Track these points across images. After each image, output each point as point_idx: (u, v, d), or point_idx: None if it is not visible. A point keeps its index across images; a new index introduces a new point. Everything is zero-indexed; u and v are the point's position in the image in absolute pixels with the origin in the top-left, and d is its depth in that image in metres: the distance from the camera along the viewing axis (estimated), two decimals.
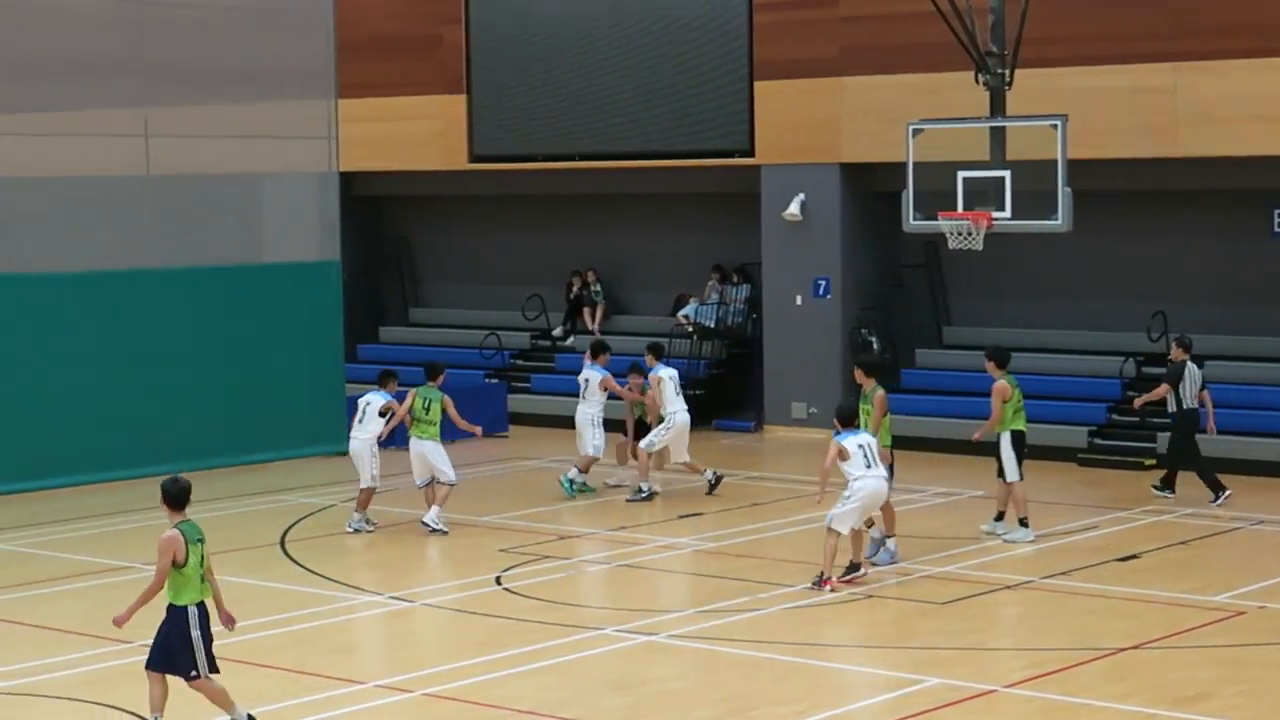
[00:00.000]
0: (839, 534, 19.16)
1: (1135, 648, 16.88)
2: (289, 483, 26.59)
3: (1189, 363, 24.51)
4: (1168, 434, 25.57)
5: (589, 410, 25.72)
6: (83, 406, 26.53)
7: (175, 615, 13.82)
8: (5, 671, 16.32)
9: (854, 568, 19.49)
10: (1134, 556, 20.83)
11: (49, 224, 27.40)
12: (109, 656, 16.86)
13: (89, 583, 20.22)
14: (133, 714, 14.85)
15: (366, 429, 23.30)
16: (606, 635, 17.42)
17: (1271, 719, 14.31)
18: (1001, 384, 21.92)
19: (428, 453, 22.95)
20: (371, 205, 37.50)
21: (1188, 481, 24.57)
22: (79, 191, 27.93)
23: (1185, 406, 24.42)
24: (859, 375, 21.44)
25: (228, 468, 27.41)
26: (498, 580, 19.90)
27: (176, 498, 13.86)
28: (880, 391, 21.28)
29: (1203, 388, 24.49)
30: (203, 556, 13.82)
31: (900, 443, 29.19)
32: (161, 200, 28.61)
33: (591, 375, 25.79)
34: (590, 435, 25.56)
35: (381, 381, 23.91)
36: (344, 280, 30.55)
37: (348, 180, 32.62)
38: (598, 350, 26.15)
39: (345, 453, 28.93)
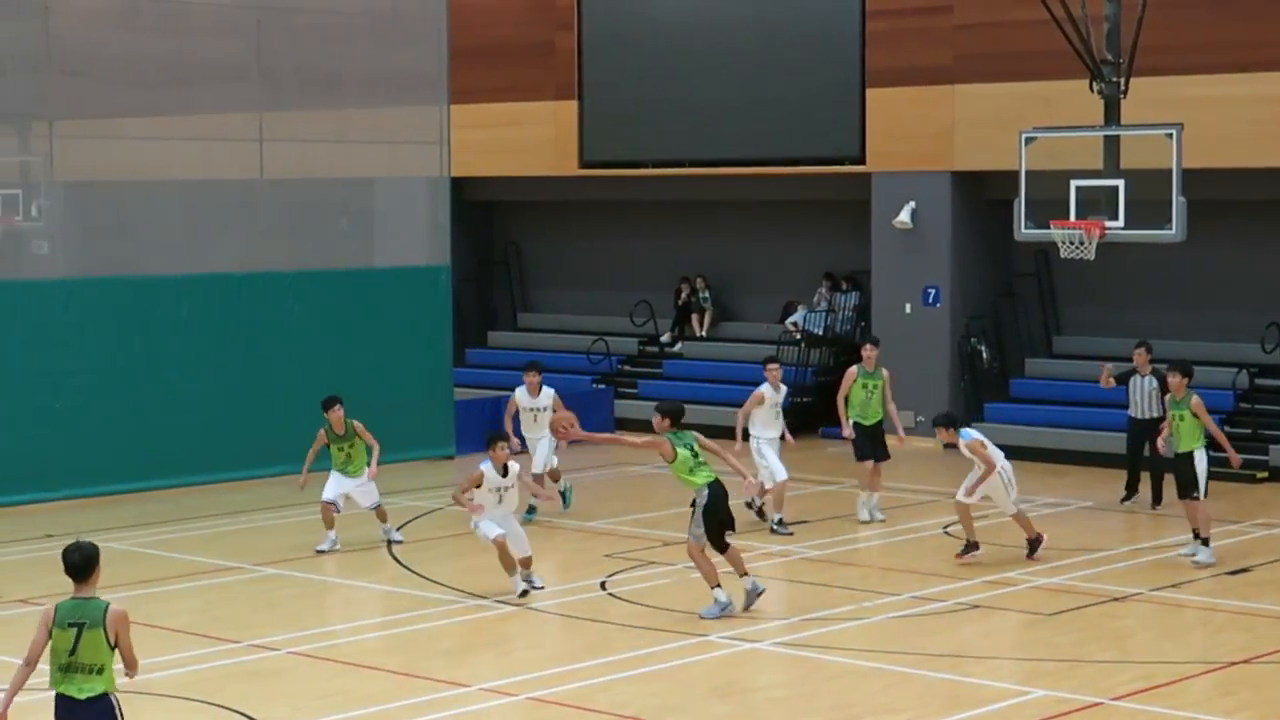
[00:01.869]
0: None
1: (1245, 662, 16.70)
2: (396, 486, 26.70)
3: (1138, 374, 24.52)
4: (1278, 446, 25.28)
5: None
6: (196, 408, 26.78)
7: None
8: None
9: (972, 546, 20.63)
10: (1245, 570, 20.61)
11: (165, 227, 27.71)
12: (217, 656, 17.03)
13: (198, 583, 20.42)
14: (240, 713, 14.98)
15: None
16: (710, 642, 17.41)
17: None
18: (1199, 399, 21.38)
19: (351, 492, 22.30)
20: (482, 210, 37.67)
21: None
22: (194, 195, 28.23)
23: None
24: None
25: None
26: (603, 585, 19.94)
27: (74, 567, 11.29)
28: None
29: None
30: (75, 644, 11.16)
31: (1008, 453, 29.17)
32: (275, 204, 28.86)
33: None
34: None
35: None
36: (454, 285, 30.70)
37: (459, 185, 32.78)
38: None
39: (452, 456, 29.25)
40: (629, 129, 34.51)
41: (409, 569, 20.95)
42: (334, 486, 22.04)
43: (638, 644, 17.33)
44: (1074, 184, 23.44)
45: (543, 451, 23.95)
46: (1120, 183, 23.01)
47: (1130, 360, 24.77)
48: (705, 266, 35.28)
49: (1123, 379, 24.58)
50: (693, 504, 18.21)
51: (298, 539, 22.66)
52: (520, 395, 24.22)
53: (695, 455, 18.09)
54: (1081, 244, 23.50)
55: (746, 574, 18.42)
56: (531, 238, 38.15)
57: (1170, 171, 22.40)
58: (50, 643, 11.19)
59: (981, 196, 30.73)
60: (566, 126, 35.14)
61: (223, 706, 15.24)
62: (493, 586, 19.50)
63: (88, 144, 28.35)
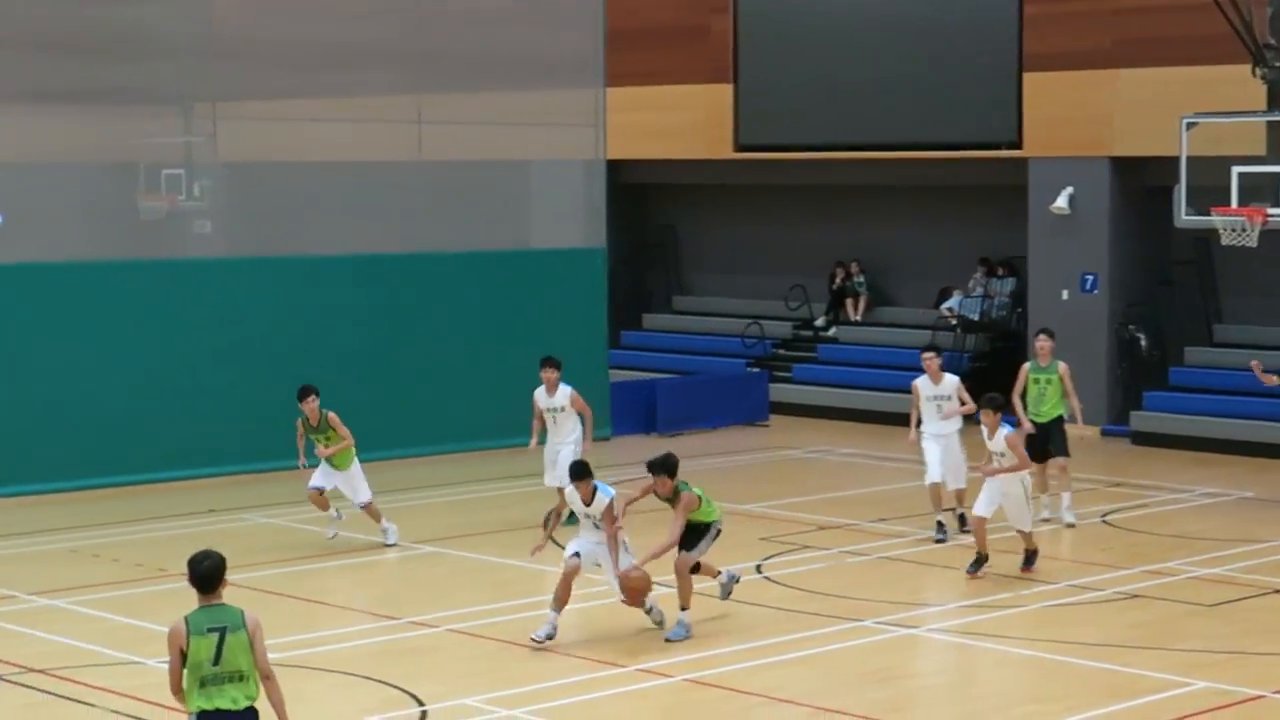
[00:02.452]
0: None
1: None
2: None
3: None
4: None
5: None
6: (353, 387, 26.97)
7: None
8: (276, 644, 16.72)
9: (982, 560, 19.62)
10: None
11: (323, 208, 28.01)
12: (377, 632, 17.24)
13: (356, 560, 20.66)
14: (400, 689, 15.16)
15: None
16: (866, 627, 17.39)
17: None
18: None
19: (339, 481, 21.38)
20: (637, 193, 37.76)
21: None
22: (352, 176, 28.53)
23: None
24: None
25: (494, 449, 27.75)
26: (758, 569, 19.96)
27: (202, 577, 10.75)
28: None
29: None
30: (218, 651, 10.54)
31: (1167, 442, 28.97)
32: (432, 186, 29.08)
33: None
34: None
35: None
36: (609, 267, 30.80)
37: (614, 168, 32.87)
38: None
39: (607, 437, 29.33)
40: (783, 113, 34.45)
41: (563, 548, 21.00)
42: (321, 475, 21.21)
43: (792, 628, 17.34)
44: (1236, 170, 23.16)
45: (565, 459, 20.79)
46: None
47: None
48: (860, 251, 35.17)
49: None
50: (717, 532, 17.54)
51: (456, 518, 22.86)
52: (538, 395, 22.32)
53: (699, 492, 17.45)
54: (1244, 231, 23.23)
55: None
56: (686, 221, 38.20)
57: None
58: (186, 659, 10.48)
59: (1141, 183, 30.40)
60: (721, 110, 35.14)
61: (383, 682, 15.42)
62: (649, 568, 19.48)
63: (249, 126, 28.77)
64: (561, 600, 16.72)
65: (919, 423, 21.82)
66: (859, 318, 35.00)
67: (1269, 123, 23.07)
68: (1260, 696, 15.02)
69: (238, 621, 10.53)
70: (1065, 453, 22.55)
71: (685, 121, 35.47)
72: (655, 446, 27.58)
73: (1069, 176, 30.86)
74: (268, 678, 10.57)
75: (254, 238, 27.58)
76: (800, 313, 35.82)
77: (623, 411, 29.95)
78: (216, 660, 10.41)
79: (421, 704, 14.78)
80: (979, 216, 33.72)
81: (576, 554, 17.01)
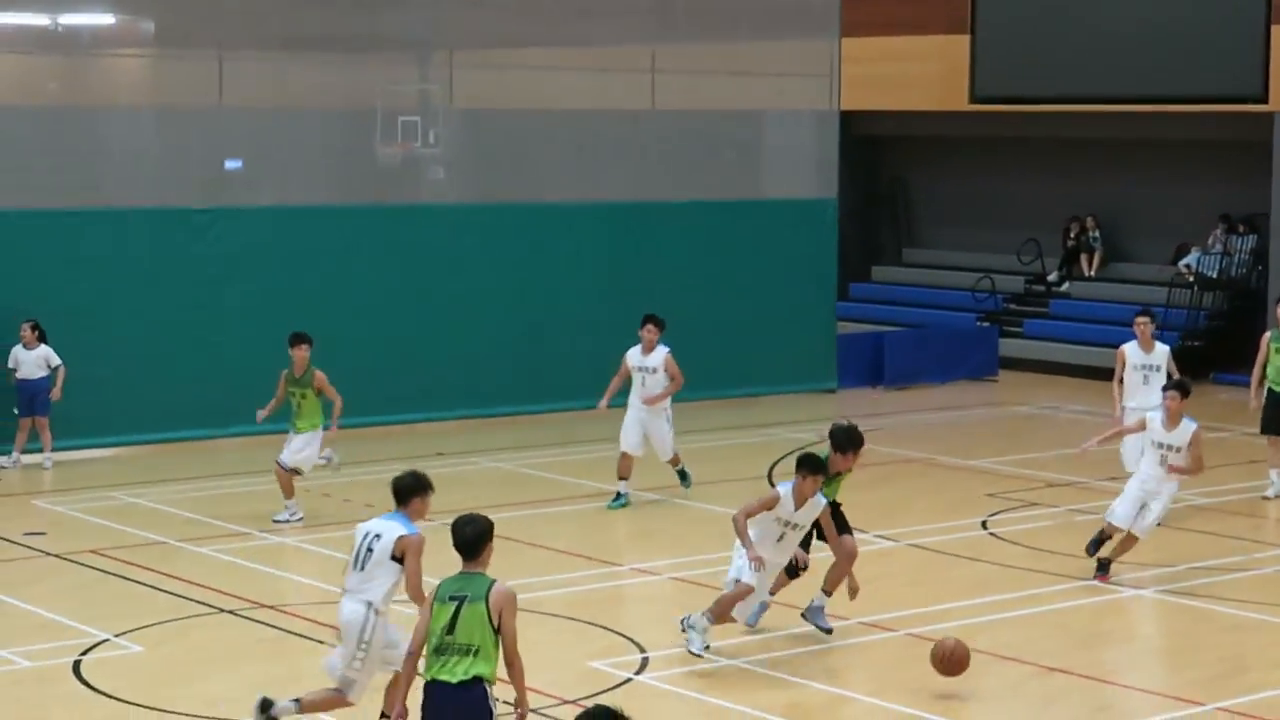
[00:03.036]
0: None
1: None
2: (777, 417, 26.84)
3: None
4: None
5: None
6: (583, 334, 27.03)
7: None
8: None
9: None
10: None
11: (557, 155, 28.15)
12: (598, 579, 17.35)
13: (579, 506, 20.80)
14: (623, 635, 15.25)
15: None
16: (1093, 587, 17.14)
17: None
18: None
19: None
20: (870, 145, 37.47)
21: None
22: (587, 124, 28.63)
23: None
24: None
25: (719, 400, 27.77)
26: (984, 524, 19.77)
27: (466, 543, 10.36)
28: None
29: None
30: (453, 620, 10.16)
31: None
32: (665, 134, 29.11)
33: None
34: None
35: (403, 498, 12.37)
36: (839, 218, 30.64)
37: (847, 119, 32.64)
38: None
39: (833, 389, 29.20)
40: (1019, 65, 33.94)
41: None
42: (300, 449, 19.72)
43: (1019, 585, 17.17)
44: None
45: (647, 429, 20.54)
46: None
47: None
48: (1095, 206, 34.60)
49: None
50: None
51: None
52: (631, 354, 21.04)
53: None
54: None
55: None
56: (918, 173, 37.86)
57: None
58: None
59: None
60: (957, 61, 34.71)
61: (606, 628, 15.52)
62: (869, 522, 19.42)
63: (485, 73, 28.97)
64: (724, 616, 14.71)
65: (1121, 396, 20.33)
66: (1093, 273, 34.47)
67: None
68: None
69: (480, 592, 10.10)
70: None
71: (920, 73, 35.10)
72: (882, 400, 27.56)
73: None
74: (509, 663, 10.15)
75: (487, 185, 27.79)
76: (1033, 267, 35.37)
77: (850, 364, 29.81)
78: (451, 629, 10.09)
79: (643, 650, 14.85)
80: (1220, 172, 32.99)
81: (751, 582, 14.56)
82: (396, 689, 10.97)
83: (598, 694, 13.61)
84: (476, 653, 10.01)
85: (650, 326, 20.95)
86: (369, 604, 11.94)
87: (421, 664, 10.30)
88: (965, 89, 34.64)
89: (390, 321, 25.76)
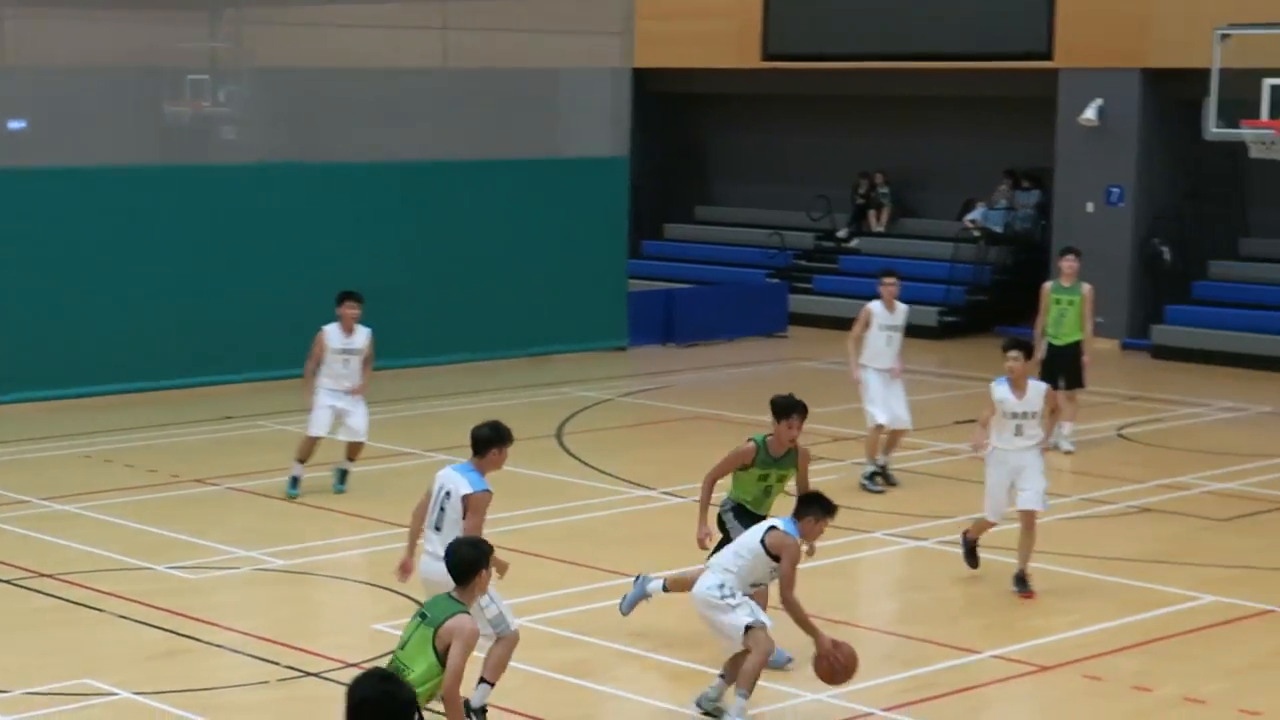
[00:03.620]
0: None
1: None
2: (569, 376, 26.88)
3: None
4: None
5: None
6: (378, 296, 26.75)
7: None
8: (291, 549, 16.81)
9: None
10: None
11: (350, 114, 27.91)
12: (388, 540, 17.28)
13: (372, 467, 20.68)
14: (403, 594, 15.20)
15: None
16: (876, 539, 17.38)
17: None
18: None
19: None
20: (664, 102, 37.54)
21: None
22: (379, 83, 28.40)
23: None
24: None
25: (513, 359, 27.79)
26: None
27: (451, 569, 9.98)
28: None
29: None
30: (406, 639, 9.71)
31: (1187, 356, 28.84)
32: (458, 93, 28.95)
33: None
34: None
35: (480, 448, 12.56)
36: (633, 177, 30.69)
37: (642, 77, 32.70)
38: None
39: (624, 347, 29.27)
40: (812, 22, 34.20)
41: (578, 459, 21.07)
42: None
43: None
44: (1267, 83, 22.96)
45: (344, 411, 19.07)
46: None
47: None
48: (885, 162, 35.00)
49: None
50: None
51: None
52: (330, 333, 19.08)
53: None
54: (1272, 144, 23.04)
55: None
56: (712, 130, 38.03)
57: None
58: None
59: (1172, 95, 30.13)
60: (750, 19, 34.88)
61: (391, 590, 15.46)
62: (660, 479, 19.53)
63: (276, 31, 28.66)
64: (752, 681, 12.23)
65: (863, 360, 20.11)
66: (882, 229, 34.87)
67: None
68: (1269, 611, 14.99)
69: (437, 618, 9.55)
70: (1080, 383, 21.54)
71: (714, 30, 35.23)
72: (672, 357, 27.72)
73: (1099, 88, 30.61)
74: (444, 699, 9.47)
75: (278, 144, 27.48)
76: (823, 224, 35.69)
77: (641, 321, 29.90)
78: (403, 645, 9.64)
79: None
80: (1006, 128, 33.50)
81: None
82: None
83: (382, 656, 13.54)
84: (412, 677, 9.34)
85: (350, 304, 18.91)
86: None
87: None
88: (758, 46, 34.83)
89: (177, 282, 25.36)
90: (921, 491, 19.77)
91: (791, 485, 13.95)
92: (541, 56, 30.23)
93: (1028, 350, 15.86)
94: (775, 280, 33.84)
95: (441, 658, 9.41)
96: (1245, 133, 23.32)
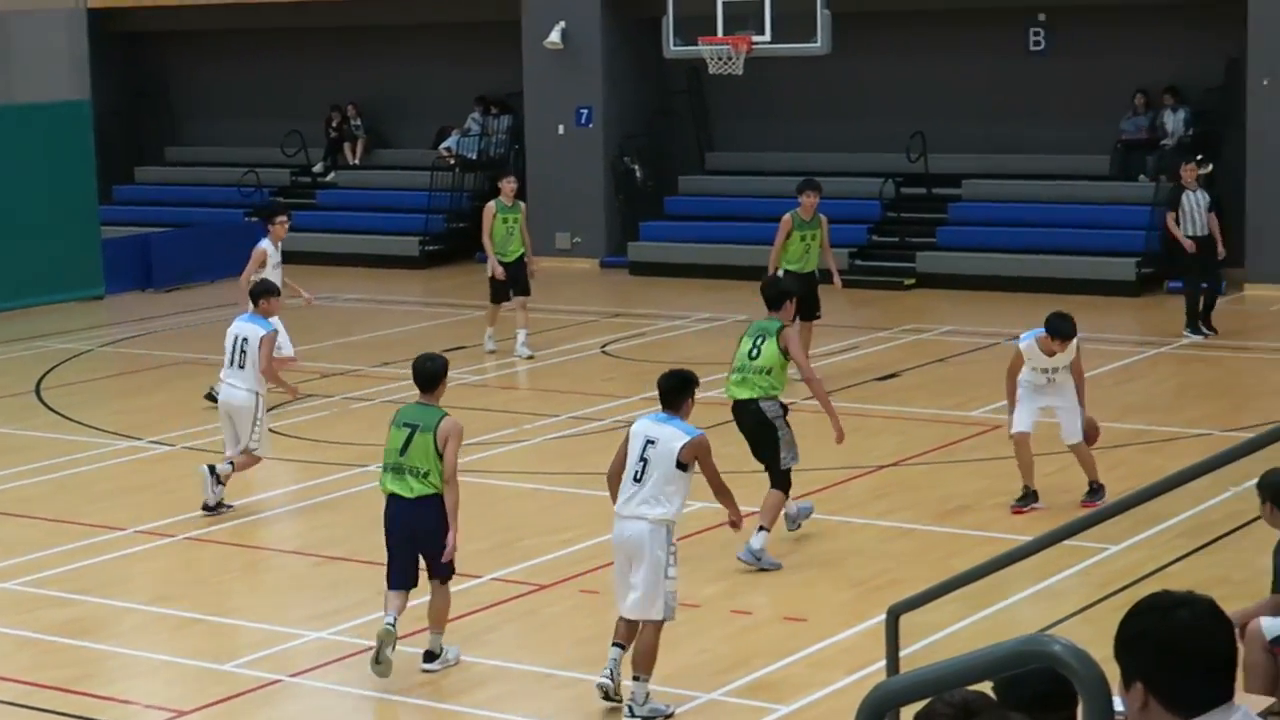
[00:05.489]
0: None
1: (896, 464, 17.12)
2: (47, 329, 26.01)
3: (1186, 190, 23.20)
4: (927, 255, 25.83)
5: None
6: None
7: None
8: None
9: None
10: (894, 375, 21.10)
11: None
12: None
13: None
14: None
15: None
16: (371, 473, 17.28)
17: (1029, 528, 14.51)
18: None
19: None
20: (128, 42, 36.48)
21: (943, 297, 24.96)
22: None
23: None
24: None
25: None
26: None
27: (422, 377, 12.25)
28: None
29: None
30: (405, 445, 11.90)
31: (664, 270, 29.50)
32: None
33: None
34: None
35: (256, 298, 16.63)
36: (99, 120, 29.74)
37: (103, 17, 31.72)
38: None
39: (101, 296, 28.45)
40: None
41: (59, 413, 20.40)
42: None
43: (300, 477, 17.17)
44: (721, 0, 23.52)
45: None
46: None
47: None
48: (356, 94, 34.74)
49: (1174, 198, 23.33)
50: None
51: None
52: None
53: None
54: (730, 60, 23.64)
55: None
56: (180, 69, 37.11)
57: None
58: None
59: (633, 14, 30.65)
60: None
61: None
62: (147, 428, 19.09)
63: None
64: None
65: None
66: (357, 161, 34.67)
67: None
68: (753, 512, 15.45)
69: (430, 424, 11.87)
70: (527, 291, 22.67)
71: None
72: (153, 303, 27.07)
73: (562, 10, 30.93)
74: (447, 481, 11.86)
75: None
76: (298, 159, 35.28)
77: (118, 269, 29.05)
78: (403, 452, 11.89)
79: None
80: (474, 54, 33.61)
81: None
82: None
83: None
84: (426, 475, 11.83)
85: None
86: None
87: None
88: None
89: None
90: None
91: None
92: None
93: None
94: (254, 219, 33.27)
95: (441, 453, 11.81)
96: (703, 49, 23.86)
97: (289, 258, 31.43)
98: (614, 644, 11.44)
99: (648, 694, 11.25)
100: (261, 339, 15.94)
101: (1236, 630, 10.50)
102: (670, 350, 22.67)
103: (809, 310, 20.19)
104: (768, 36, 23.26)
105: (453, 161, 32.83)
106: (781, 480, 14.41)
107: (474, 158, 32.92)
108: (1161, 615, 4.43)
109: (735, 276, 28.71)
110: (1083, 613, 12.69)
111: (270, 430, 16.87)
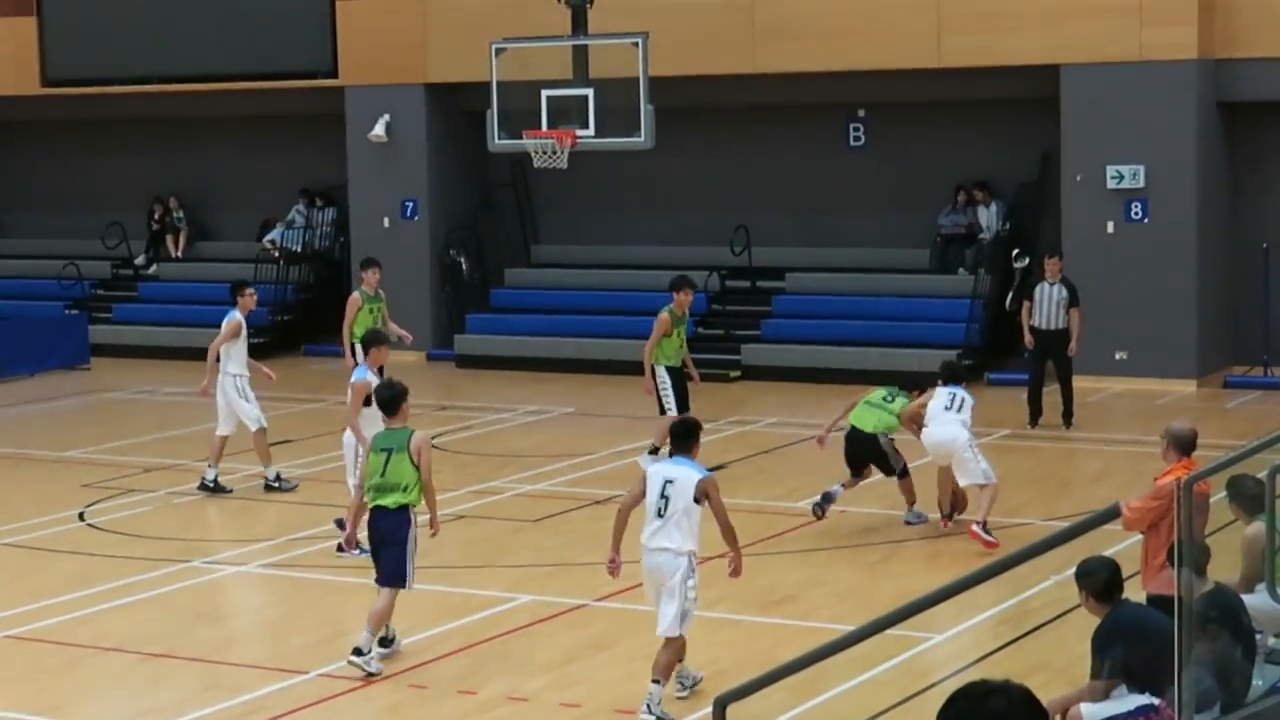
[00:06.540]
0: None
1: (721, 555, 17.17)
2: None
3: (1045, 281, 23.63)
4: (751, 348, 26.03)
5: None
6: None
7: None
8: None
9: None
10: (720, 467, 21.18)
11: None
12: None
13: None
14: None
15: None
16: (195, 568, 17.11)
17: (853, 618, 14.62)
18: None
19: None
20: None
21: (768, 389, 25.13)
22: None
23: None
24: None
25: None
26: (81, 516, 19.37)
27: (384, 403, 14.30)
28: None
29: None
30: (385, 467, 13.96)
31: (490, 363, 29.51)
32: None
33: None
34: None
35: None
36: None
37: None
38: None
39: None
40: (93, 45, 33.38)
41: None
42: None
43: (122, 573, 16.93)
44: (545, 94, 23.63)
45: None
46: (589, 92, 23.26)
47: None
48: (179, 185, 34.52)
49: (1028, 292, 23.77)
50: None
51: None
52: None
53: None
54: (554, 153, 23.72)
55: None
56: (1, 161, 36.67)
57: (638, 80, 22.74)
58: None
59: (458, 108, 30.75)
60: (26, 43, 33.82)
61: None
62: None
63: None
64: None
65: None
66: (180, 254, 34.40)
67: (575, 46, 23.57)
68: (582, 605, 15.45)
69: (402, 444, 13.89)
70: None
71: None
72: None
73: (386, 104, 30.99)
74: (426, 483, 13.94)
75: None
76: (119, 251, 34.94)
77: None
78: (383, 474, 13.85)
79: None
80: (298, 146, 33.55)
81: None
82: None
83: None
84: (406, 489, 13.83)
85: None
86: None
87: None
88: (37, 71, 33.79)
89: None
90: (240, 515, 19.59)
91: None
92: None
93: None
94: (74, 311, 32.91)
95: (417, 465, 13.85)
96: (527, 143, 23.95)
97: (109, 351, 31.41)
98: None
99: (662, 698, 12.59)
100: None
101: (1057, 719, 10.73)
102: (497, 442, 22.65)
103: (686, 404, 20.82)
104: (591, 131, 23.38)
105: (277, 254, 32.67)
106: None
107: (299, 250, 32.79)
108: (975, 703, 4.50)
109: (561, 369, 28.83)
110: (906, 703, 12.79)
111: (90, 525, 16.63)
